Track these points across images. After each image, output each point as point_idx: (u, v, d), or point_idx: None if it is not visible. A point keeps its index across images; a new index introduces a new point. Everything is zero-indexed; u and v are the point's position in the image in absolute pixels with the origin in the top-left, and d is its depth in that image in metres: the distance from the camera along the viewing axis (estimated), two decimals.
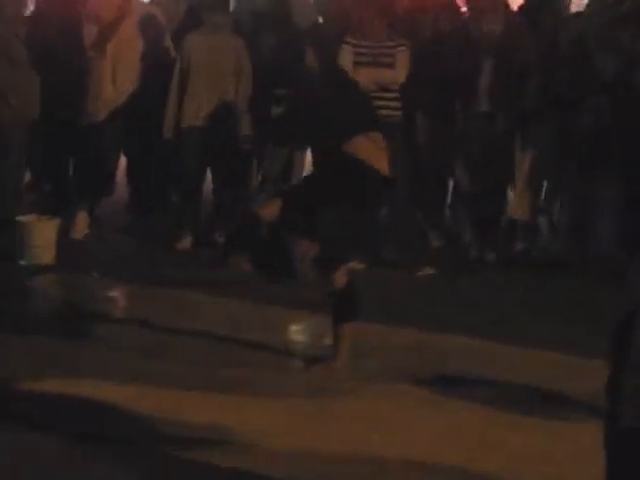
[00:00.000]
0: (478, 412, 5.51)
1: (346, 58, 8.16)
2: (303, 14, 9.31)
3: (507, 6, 8.80)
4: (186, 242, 8.64)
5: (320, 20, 9.38)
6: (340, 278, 5.95)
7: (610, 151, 7.76)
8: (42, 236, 8.07)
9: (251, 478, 4.73)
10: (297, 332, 6.95)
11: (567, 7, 9.15)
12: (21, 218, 8.20)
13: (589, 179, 7.98)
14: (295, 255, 5.75)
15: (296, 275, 5.86)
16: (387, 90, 8.10)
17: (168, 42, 8.92)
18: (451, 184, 9.23)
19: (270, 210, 5.84)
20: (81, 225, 8.86)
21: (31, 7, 9.67)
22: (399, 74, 8.13)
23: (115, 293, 7.67)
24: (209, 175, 9.07)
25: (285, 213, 5.75)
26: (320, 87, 7.84)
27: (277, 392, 5.75)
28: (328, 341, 6.22)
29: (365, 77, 8.00)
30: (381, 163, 5.98)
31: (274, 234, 5.75)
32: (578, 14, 9.06)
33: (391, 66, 8.13)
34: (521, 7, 9.09)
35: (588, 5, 8.98)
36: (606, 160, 7.79)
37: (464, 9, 9.20)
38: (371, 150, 5.92)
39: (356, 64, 8.13)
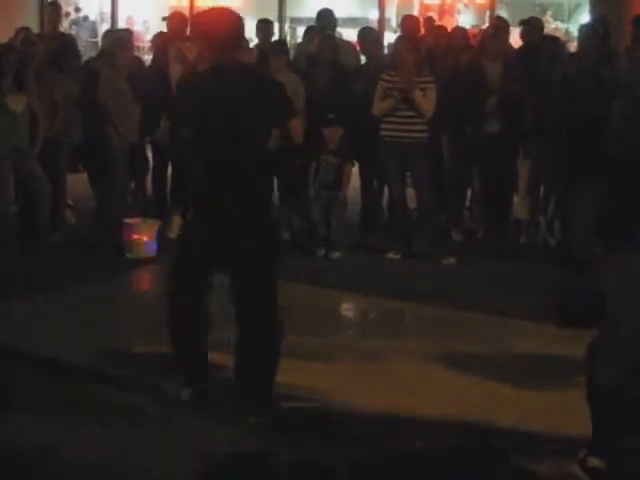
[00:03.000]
0: (489, 370, 5.65)
1: (381, 91, 8.31)
2: (349, 56, 9.49)
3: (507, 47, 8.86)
4: None
5: (363, 60, 9.56)
6: None
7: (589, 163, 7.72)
8: (145, 234, 8.18)
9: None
10: (348, 309, 7.19)
11: (562, 49, 9.13)
12: (128, 220, 8.31)
13: (573, 186, 7.95)
14: None
15: None
16: (417, 117, 8.21)
17: None
18: (469, 190, 9.39)
19: None
20: (176, 226, 8.98)
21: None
22: (428, 107, 8.11)
23: None
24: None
25: None
26: None
27: (340, 356, 5.97)
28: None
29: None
30: None
31: None
32: (572, 55, 9.00)
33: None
34: (520, 48, 9.17)
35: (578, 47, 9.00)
36: (586, 170, 7.75)
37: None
38: None
39: (389, 96, 8.23)
